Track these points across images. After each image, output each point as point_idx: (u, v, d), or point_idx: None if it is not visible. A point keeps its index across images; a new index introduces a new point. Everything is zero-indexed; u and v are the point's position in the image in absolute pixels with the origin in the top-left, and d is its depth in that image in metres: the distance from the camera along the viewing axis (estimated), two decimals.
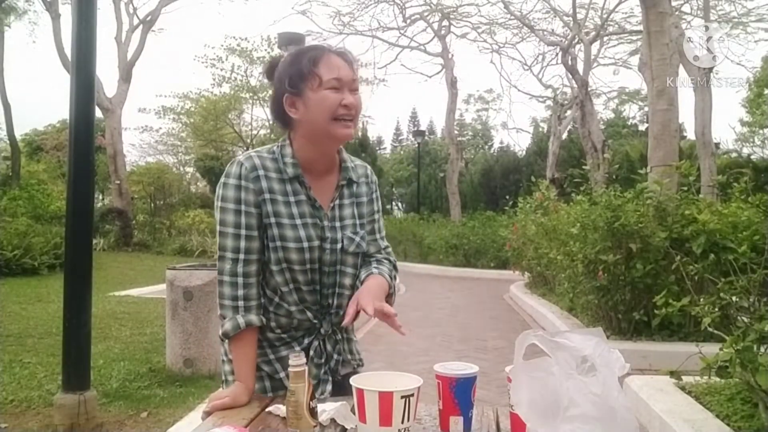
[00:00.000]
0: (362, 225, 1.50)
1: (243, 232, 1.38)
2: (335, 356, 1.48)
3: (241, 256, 1.38)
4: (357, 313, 1.38)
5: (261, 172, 1.40)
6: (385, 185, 28.71)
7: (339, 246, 1.44)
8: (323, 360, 1.47)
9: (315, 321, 1.46)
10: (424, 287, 11.28)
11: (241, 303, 1.38)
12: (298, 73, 1.38)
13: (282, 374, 1.44)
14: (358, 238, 1.48)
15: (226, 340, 1.40)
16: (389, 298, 1.49)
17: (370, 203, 1.55)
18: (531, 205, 9.81)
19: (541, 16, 18.44)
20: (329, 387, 1.48)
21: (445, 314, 8.25)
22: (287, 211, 1.40)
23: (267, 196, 1.39)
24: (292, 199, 1.41)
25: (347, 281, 1.47)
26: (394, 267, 1.56)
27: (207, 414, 1.34)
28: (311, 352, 1.45)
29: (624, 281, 5.24)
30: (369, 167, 1.60)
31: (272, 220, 1.39)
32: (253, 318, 1.38)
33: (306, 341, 1.46)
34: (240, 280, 1.38)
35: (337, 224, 1.46)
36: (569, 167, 17.23)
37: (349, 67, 1.40)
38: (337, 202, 1.47)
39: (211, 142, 22.98)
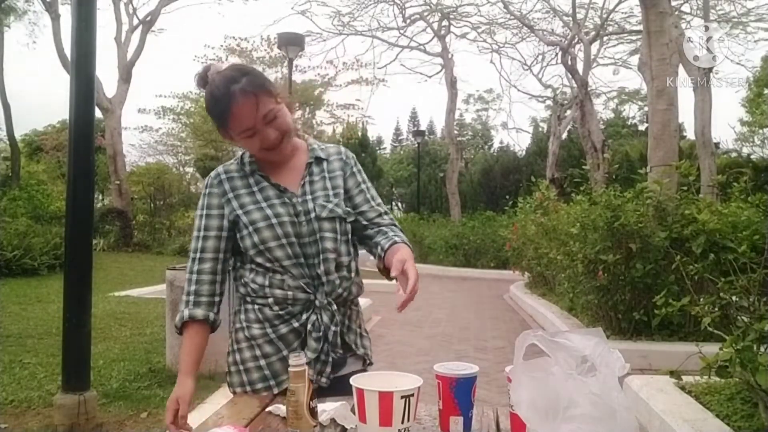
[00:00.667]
0: (336, 195, 1.57)
1: (201, 233, 1.53)
2: (333, 328, 1.51)
3: (197, 255, 1.52)
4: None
5: (223, 177, 1.56)
6: (385, 185, 28.68)
7: (313, 215, 1.52)
8: (321, 333, 1.50)
9: (309, 292, 1.50)
10: (424, 287, 11.24)
11: (191, 298, 1.50)
12: (216, 120, 1.51)
13: (285, 352, 1.50)
14: (330, 205, 1.54)
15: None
16: None
17: (352, 176, 1.63)
18: (531, 205, 9.81)
19: (541, 16, 18.46)
20: (328, 369, 1.51)
21: (445, 314, 8.25)
22: (252, 199, 1.53)
23: (230, 195, 1.53)
24: (255, 188, 1.54)
25: (328, 245, 1.52)
26: (401, 230, 1.62)
27: (185, 424, 1.35)
28: (309, 326, 1.50)
29: (624, 281, 5.24)
30: (342, 147, 1.71)
31: (239, 211, 1.51)
32: (198, 312, 1.48)
33: (304, 316, 1.50)
34: (193, 277, 1.51)
35: (309, 197, 1.54)
36: (569, 167, 17.24)
37: (255, 105, 1.44)
38: (307, 179, 1.57)
39: (211, 142, 22.94)
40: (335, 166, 1.62)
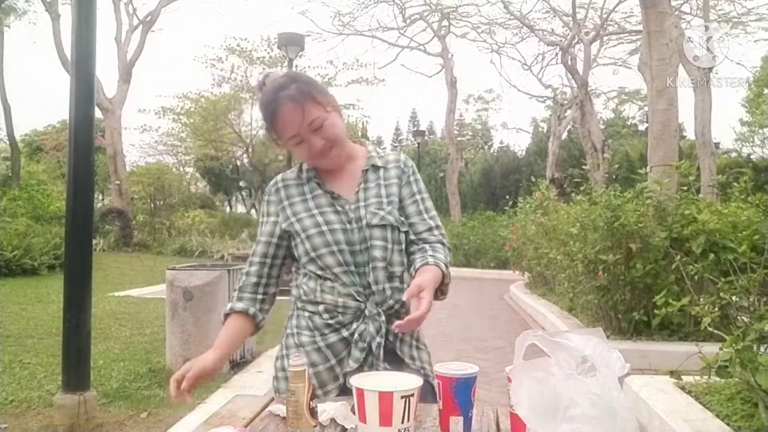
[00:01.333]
0: (390, 202, 1.55)
1: (261, 238, 1.59)
2: (378, 339, 1.48)
3: (250, 258, 1.59)
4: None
5: (280, 185, 1.60)
6: None
7: (364, 222, 1.52)
8: (366, 343, 1.48)
9: (359, 300, 1.49)
10: None
11: (235, 294, 1.58)
12: (267, 126, 1.55)
13: (333, 361, 1.50)
14: (382, 212, 1.53)
15: None
16: (444, 285, 1.50)
17: (408, 186, 1.61)
18: (531, 205, 9.81)
19: (541, 16, 18.46)
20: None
21: (445, 314, 8.25)
22: (304, 206, 1.55)
23: (285, 202, 1.57)
24: (309, 196, 1.56)
25: (378, 253, 1.50)
26: (448, 249, 1.59)
27: (189, 387, 1.38)
28: (355, 336, 1.48)
29: (624, 281, 5.24)
30: (402, 155, 1.69)
31: (293, 219, 1.54)
32: (238, 305, 1.54)
33: (354, 326, 1.49)
34: (243, 277, 1.58)
35: (362, 204, 1.54)
36: (569, 167, 17.25)
37: (302, 111, 1.47)
38: (362, 186, 1.57)
39: (211, 142, 22.98)
40: (392, 174, 1.60)
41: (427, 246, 1.55)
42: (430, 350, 1.63)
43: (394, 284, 1.52)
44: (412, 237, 1.57)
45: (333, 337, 1.50)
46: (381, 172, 1.60)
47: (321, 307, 1.51)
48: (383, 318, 1.49)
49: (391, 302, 1.51)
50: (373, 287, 1.49)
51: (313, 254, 1.50)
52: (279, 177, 1.63)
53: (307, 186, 1.57)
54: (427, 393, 1.32)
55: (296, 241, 1.53)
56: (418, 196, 1.61)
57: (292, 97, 1.47)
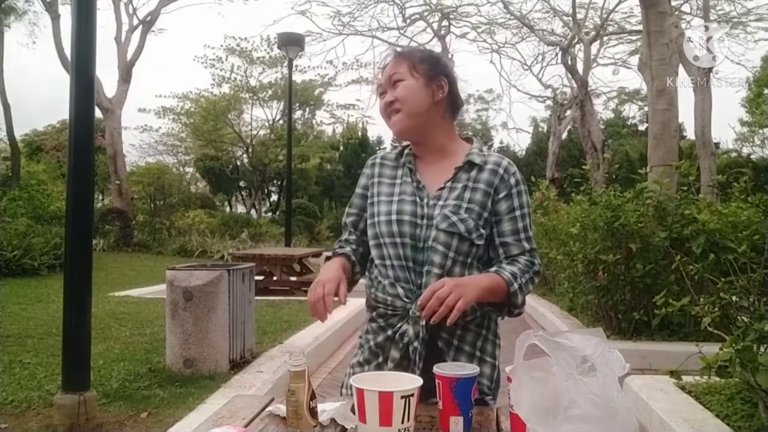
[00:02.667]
0: (468, 210, 1.45)
1: (352, 210, 1.63)
2: (414, 343, 1.43)
3: (344, 228, 1.65)
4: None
5: (377, 161, 1.62)
6: None
7: (434, 222, 1.46)
8: (404, 344, 1.45)
9: (407, 300, 1.46)
10: None
11: (337, 246, 1.63)
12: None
13: (380, 359, 1.50)
14: (454, 218, 1.44)
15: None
16: (505, 298, 1.43)
17: (507, 199, 1.48)
18: (531, 205, 9.79)
19: (541, 16, 18.44)
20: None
21: None
22: (389, 190, 1.54)
23: (375, 179, 1.57)
24: (397, 181, 1.55)
25: (437, 259, 1.43)
26: (534, 273, 1.48)
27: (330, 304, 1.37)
28: (396, 336, 1.47)
29: (624, 281, 5.24)
30: (505, 160, 1.54)
31: (374, 199, 1.55)
32: (340, 250, 1.59)
33: (398, 325, 1.48)
34: (344, 233, 1.65)
35: (440, 203, 1.48)
36: (569, 167, 17.25)
37: (393, 63, 1.53)
38: (449, 184, 1.49)
39: (211, 142, 22.98)
40: (484, 178, 1.48)
41: (507, 261, 1.47)
42: None
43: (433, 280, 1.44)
44: (502, 258, 1.48)
45: (381, 337, 1.50)
46: (474, 172, 1.49)
47: (374, 313, 1.52)
48: (423, 322, 1.42)
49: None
50: (422, 290, 1.41)
51: (378, 240, 1.49)
52: (379, 153, 1.66)
53: (400, 171, 1.56)
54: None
55: (369, 221, 1.54)
56: (518, 212, 1.48)
57: (397, 52, 1.55)
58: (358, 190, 1.62)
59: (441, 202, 1.47)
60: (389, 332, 1.48)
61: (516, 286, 1.42)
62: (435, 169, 1.53)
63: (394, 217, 1.47)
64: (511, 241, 1.48)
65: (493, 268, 1.46)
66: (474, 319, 1.47)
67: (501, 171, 1.49)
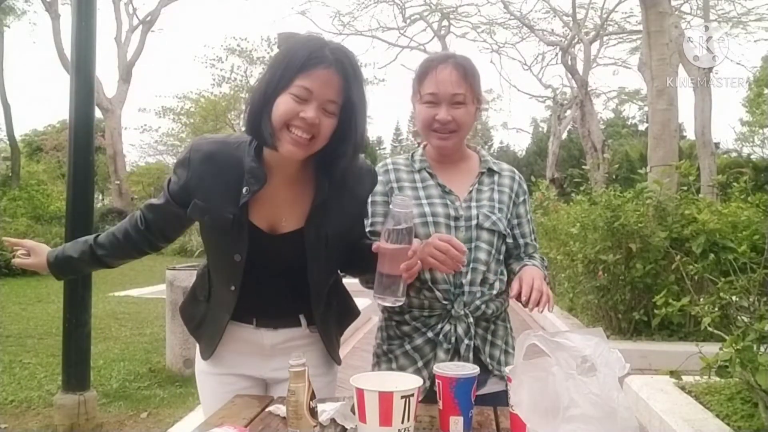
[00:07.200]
0: (501, 210, 1.56)
1: (377, 219, 1.56)
2: (466, 341, 1.47)
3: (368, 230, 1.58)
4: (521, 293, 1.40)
5: (390, 167, 1.61)
6: None
7: (474, 222, 1.51)
8: (451, 345, 1.46)
9: (446, 302, 1.48)
10: None
11: None
12: (418, 74, 1.54)
13: (420, 363, 1.49)
14: (494, 217, 1.53)
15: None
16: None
17: (524, 204, 1.63)
18: (531, 205, 9.80)
19: (541, 16, 18.50)
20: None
21: None
22: (414, 194, 1.55)
23: (395, 185, 1.57)
24: (419, 185, 1.56)
25: (482, 256, 1.50)
26: (545, 267, 1.62)
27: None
28: (440, 337, 1.47)
29: (624, 281, 5.24)
30: (516, 171, 1.69)
31: None
32: None
33: (439, 326, 1.48)
34: None
35: (473, 204, 1.54)
36: (569, 167, 17.26)
37: (458, 77, 1.49)
38: (476, 186, 1.57)
39: None
40: (505, 182, 1.61)
41: (525, 256, 1.61)
42: None
43: (485, 288, 1.51)
44: (522, 255, 1.60)
45: (419, 340, 1.50)
46: (495, 177, 1.61)
47: (407, 317, 1.51)
48: (471, 319, 1.48)
49: (477, 302, 1.49)
50: (465, 287, 1.48)
51: None
52: (388, 159, 1.64)
53: (419, 175, 1.57)
54: (503, 399, 1.24)
55: None
56: (530, 215, 1.65)
57: (458, 64, 1.50)
58: (377, 198, 1.56)
59: (474, 203, 1.54)
60: (429, 334, 1.48)
61: (548, 278, 1.57)
62: (453, 173, 1.59)
63: (430, 219, 1.50)
64: (529, 241, 1.63)
65: (529, 262, 1.54)
66: (501, 314, 1.57)
67: (517, 177, 1.65)
